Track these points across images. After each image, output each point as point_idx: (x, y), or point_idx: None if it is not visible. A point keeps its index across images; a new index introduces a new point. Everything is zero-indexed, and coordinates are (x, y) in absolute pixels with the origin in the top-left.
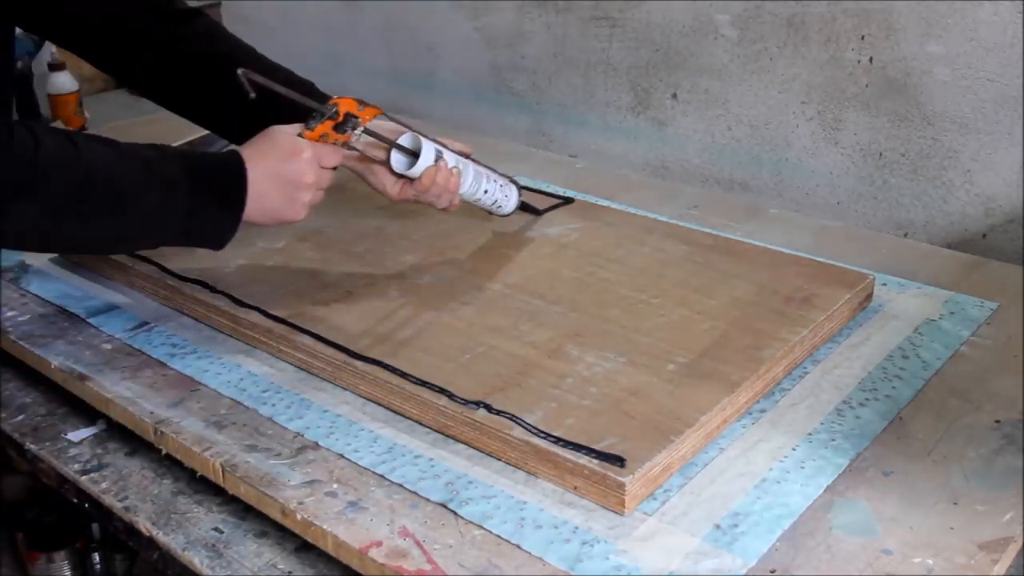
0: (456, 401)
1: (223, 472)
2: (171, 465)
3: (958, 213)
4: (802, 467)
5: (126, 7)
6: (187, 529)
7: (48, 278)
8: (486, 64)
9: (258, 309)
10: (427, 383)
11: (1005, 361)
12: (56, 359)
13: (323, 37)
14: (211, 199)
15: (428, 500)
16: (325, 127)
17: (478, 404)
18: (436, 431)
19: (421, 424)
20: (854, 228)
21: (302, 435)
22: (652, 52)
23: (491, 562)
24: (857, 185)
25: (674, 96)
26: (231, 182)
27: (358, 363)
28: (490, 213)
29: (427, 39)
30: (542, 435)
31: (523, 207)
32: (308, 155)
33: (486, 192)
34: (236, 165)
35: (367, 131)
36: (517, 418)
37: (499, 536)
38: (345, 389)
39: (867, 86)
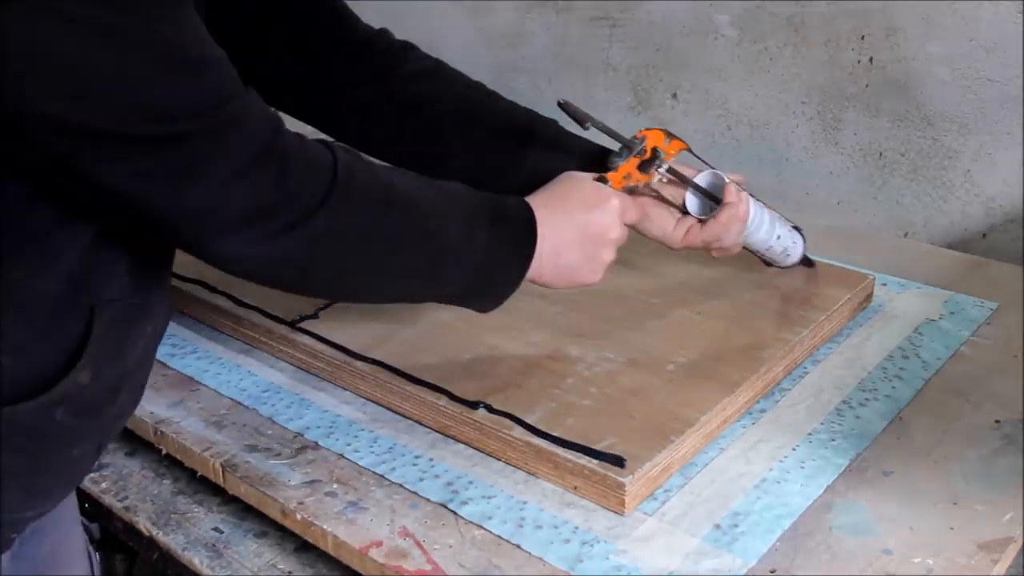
0: (456, 401)
1: (223, 472)
2: (171, 465)
3: (958, 213)
4: (802, 467)
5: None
6: (187, 529)
7: None
8: (486, 64)
9: (258, 309)
10: (427, 383)
11: (1005, 361)
12: None
13: None
14: (507, 242)
15: (428, 500)
16: (630, 166)
17: (478, 404)
18: (436, 431)
19: (421, 424)
20: (854, 228)
21: (302, 435)
22: (652, 52)
23: (491, 562)
24: (857, 185)
25: (674, 96)
26: (525, 230)
27: (358, 363)
28: (769, 263)
29: (427, 39)
30: (542, 435)
31: (804, 261)
32: (615, 204)
33: (779, 238)
34: (530, 213)
35: (670, 169)
36: (517, 418)
37: (499, 536)
38: (345, 389)
39: (867, 86)
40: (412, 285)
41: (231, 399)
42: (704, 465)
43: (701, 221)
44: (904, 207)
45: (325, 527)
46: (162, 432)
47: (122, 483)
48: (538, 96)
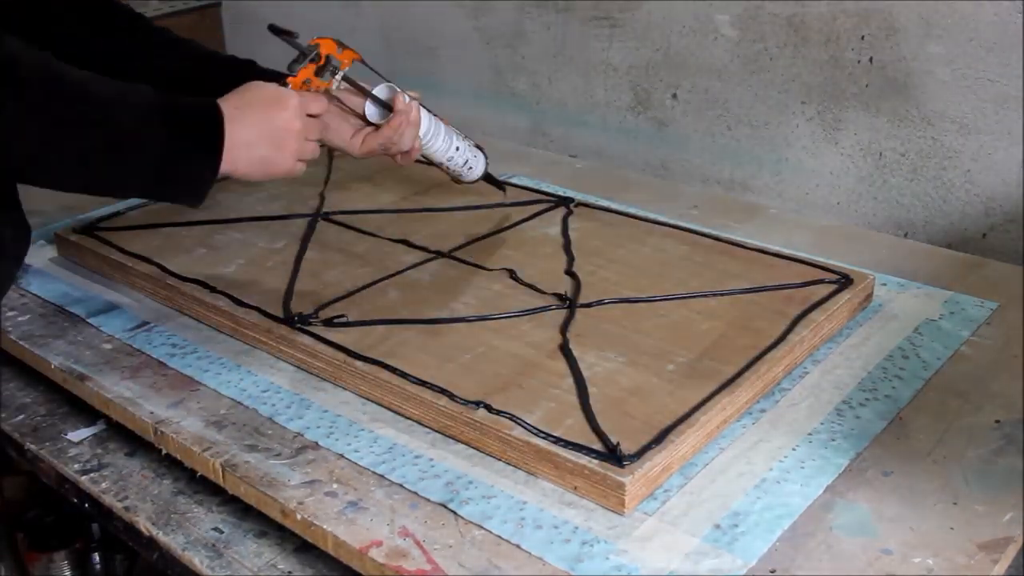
0: (456, 401)
1: (223, 472)
2: (171, 465)
3: (958, 213)
4: (802, 467)
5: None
6: (187, 529)
7: (48, 278)
8: (486, 64)
9: (258, 309)
10: (427, 383)
11: (1005, 361)
12: (56, 359)
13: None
14: (187, 140)
15: (428, 500)
16: (308, 72)
17: (478, 404)
18: (436, 431)
19: (421, 424)
20: (854, 228)
21: (302, 435)
22: (652, 52)
23: (491, 562)
24: (857, 185)
25: (674, 96)
26: (207, 123)
27: (358, 363)
28: (456, 180)
29: (427, 39)
30: (542, 435)
31: (488, 178)
32: (294, 102)
33: (458, 150)
34: (211, 109)
35: (346, 78)
36: (517, 418)
37: (499, 536)
38: (345, 389)
39: (867, 86)
40: (92, 172)
41: (231, 399)
42: (704, 465)
43: (377, 128)
44: (904, 207)
45: (325, 527)
46: (162, 432)
47: (122, 483)
48: (538, 96)
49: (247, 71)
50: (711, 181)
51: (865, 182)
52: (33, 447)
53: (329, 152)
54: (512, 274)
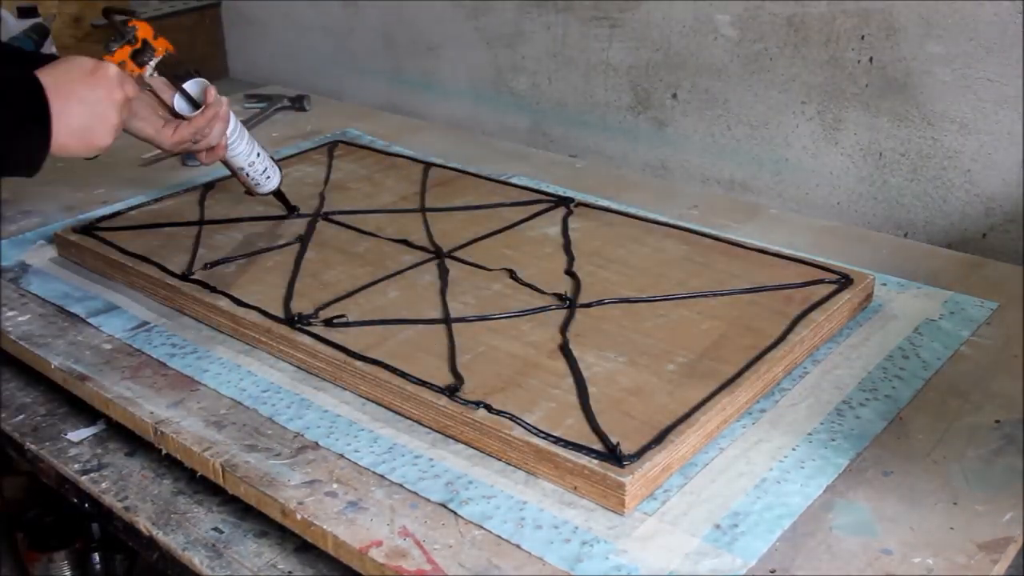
0: (456, 401)
1: (223, 472)
2: (171, 465)
3: (958, 213)
4: (802, 467)
5: None
6: (187, 529)
7: (48, 278)
8: (486, 64)
9: (258, 309)
10: (427, 383)
11: (1005, 361)
12: (56, 359)
13: (323, 37)
14: (12, 112)
15: (428, 500)
16: (124, 53)
17: (478, 404)
18: (436, 431)
19: (421, 424)
20: (854, 228)
21: (302, 435)
22: (652, 52)
23: (491, 562)
24: (857, 185)
25: (674, 96)
26: (27, 92)
27: (358, 363)
28: (250, 190)
29: (427, 39)
30: (542, 435)
31: (279, 194)
32: (114, 72)
33: (259, 156)
34: (32, 80)
35: (158, 67)
36: (517, 418)
37: (499, 536)
38: (345, 389)
39: (867, 86)
40: None
41: (231, 399)
42: (704, 465)
43: (188, 120)
44: (904, 207)
45: (325, 527)
46: (162, 432)
47: (122, 483)
48: (538, 96)
49: (28, 57)
50: (711, 181)
51: (865, 182)
52: (33, 447)
53: (329, 151)
54: (512, 274)
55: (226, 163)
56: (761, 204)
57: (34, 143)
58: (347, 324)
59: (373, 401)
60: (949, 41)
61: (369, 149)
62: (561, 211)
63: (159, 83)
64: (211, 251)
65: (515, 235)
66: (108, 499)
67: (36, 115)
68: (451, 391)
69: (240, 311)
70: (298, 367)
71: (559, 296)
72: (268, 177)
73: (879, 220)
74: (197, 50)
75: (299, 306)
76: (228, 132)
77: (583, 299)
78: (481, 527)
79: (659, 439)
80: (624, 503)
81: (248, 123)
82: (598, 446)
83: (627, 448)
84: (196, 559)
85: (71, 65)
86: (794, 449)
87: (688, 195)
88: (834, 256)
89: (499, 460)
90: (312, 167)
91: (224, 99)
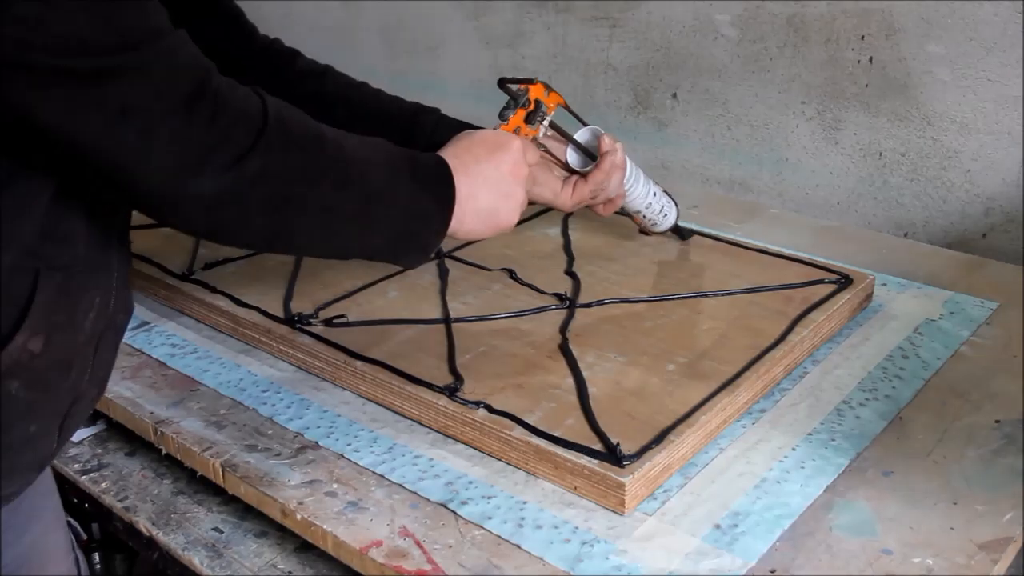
0: (456, 401)
1: (223, 472)
2: (171, 465)
3: (958, 213)
4: (802, 467)
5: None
6: (187, 529)
7: None
8: (486, 64)
9: (258, 309)
10: (427, 383)
11: (1005, 361)
12: None
13: (323, 37)
14: (427, 198)
15: (428, 500)
16: (518, 119)
17: (478, 404)
18: (436, 431)
19: (421, 424)
20: (854, 228)
21: (302, 435)
22: (652, 52)
23: (491, 562)
24: (857, 185)
25: (674, 96)
26: (440, 172)
27: (358, 363)
28: (646, 230)
29: (427, 39)
30: (542, 435)
31: (675, 229)
32: (518, 145)
33: (655, 195)
34: (444, 164)
35: (552, 124)
36: (517, 418)
37: (499, 536)
38: (345, 389)
39: (867, 86)
40: (343, 231)
41: (231, 399)
42: (704, 465)
43: (584, 175)
44: (904, 207)
45: (325, 527)
46: (162, 432)
47: (122, 483)
48: None
49: (437, 122)
50: (711, 181)
51: (865, 182)
52: None
53: None
54: (512, 274)
55: (621, 208)
56: (761, 204)
57: (435, 232)
58: (347, 324)
59: (373, 401)
60: (949, 41)
61: None
62: (561, 211)
63: (551, 138)
64: (211, 251)
65: (515, 235)
66: (108, 499)
67: (444, 202)
68: (451, 391)
69: (240, 311)
70: (298, 367)
71: (559, 296)
72: (665, 215)
73: (879, 220)
74: None
75: (299, 306)
76: (624, 179)
77: (583, 299)
78: (481, 527)
79: (659, 439)
80: (624, 503)
81: None
82: (598, 446)
83: (627, 448)
84: (196, 559)
85: (472, 142)
86: (794, 449)
87: (688, 195)
88: (834, 256)
89: (499, 460)
90: None
91: (619, 145)
